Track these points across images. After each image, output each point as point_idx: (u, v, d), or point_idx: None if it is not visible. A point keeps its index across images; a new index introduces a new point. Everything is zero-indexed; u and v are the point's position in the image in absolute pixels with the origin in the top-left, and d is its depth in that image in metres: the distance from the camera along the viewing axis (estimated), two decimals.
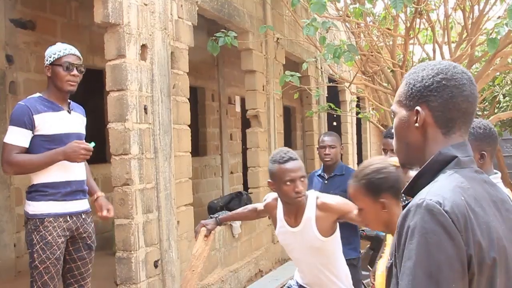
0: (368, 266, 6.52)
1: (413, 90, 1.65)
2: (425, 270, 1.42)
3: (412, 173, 1.68)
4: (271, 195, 3.81)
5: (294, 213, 3.58)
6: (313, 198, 3.60)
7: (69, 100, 3.99)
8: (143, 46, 5.19)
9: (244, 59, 8.31)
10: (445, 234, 1.43)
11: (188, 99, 6.07)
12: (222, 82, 12.04)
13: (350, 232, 4.98)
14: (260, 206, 3.99)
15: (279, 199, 3.66)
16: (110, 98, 5.01)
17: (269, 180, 3.59)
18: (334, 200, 3.63)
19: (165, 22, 5.58)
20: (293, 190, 3.45)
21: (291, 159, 3.49)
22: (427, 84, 1.62)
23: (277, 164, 3.50)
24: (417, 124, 1.64)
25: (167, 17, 5.63)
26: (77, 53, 3.91)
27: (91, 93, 3.97)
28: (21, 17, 7.08)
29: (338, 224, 3.66)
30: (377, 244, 6.70)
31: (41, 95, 3.87)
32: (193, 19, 6.20)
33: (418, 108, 1.63)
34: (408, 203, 1.57)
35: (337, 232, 3.67)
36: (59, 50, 3.83)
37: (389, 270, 1.62)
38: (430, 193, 1.50)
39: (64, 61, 3.79)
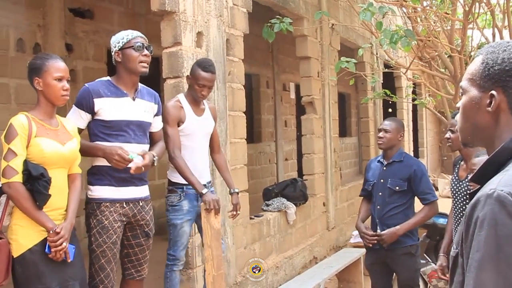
0: (425, 255, 6.43)
1: (490, 72, 1.55)
2: (494, 264, 1.36)
3: (477, 160, 1.62)
4: (171, 102, 4.56)
5: (198, 106, 4.60)
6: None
7: (140, 86, 4.01)
8: (199, 34, 5.23)
9: (299, 46, 8.27)
10: None
11: (243, 86, 6.09)
12: (277, 69, 12.01)
13: (407, 219, 4.91)
14: (172, 122, 4.47)
15: (180, 99, 4.55)
16: (167, 85, 5.07)
17: (188, 75, 4.60)
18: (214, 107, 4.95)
19: (221, 9, 5.60)
20: (200, 92, 4.47)
21: (211, 72, 4.49)
22: (507, 68, 1.52)
23: (200, 69, 4.47)
24: (489, 109, 1.55)
25: (222, 4, 5.64)
26: (143, 36, 3.95)
27: (148, 80, 4.04)
28: (79, 6, 7.23)
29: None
30: (433, 232, 6.60)
31: (109, 79, 3.93)
32: (248, 6, 6.20)
33: (493, 92, 1.54)
34: (476, 190, 1.51)
35: None
36: (127, 34, 3.87)
37: (455, 259, 1.57)
38: (502, 183, 1.42)
39: (134, 42, 3.82)
